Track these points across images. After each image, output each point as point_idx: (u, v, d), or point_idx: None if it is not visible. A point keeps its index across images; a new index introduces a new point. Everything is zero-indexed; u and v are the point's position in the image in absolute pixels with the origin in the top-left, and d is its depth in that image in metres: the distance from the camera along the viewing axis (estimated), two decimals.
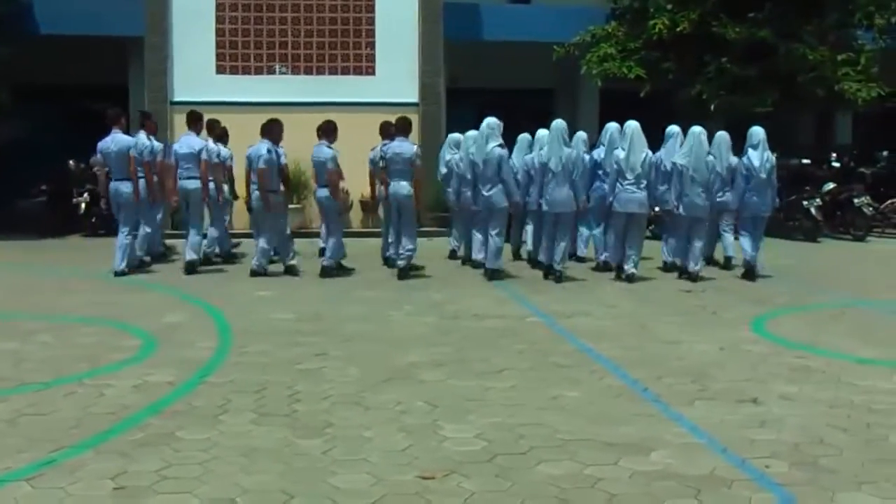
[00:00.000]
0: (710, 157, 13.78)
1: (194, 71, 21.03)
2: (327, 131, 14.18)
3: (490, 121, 13.92)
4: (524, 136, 15.73)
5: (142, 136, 14.88)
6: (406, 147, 13.94)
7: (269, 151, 13.86)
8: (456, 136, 16.28)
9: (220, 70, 21.25)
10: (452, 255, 16.38)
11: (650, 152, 13.79)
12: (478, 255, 14.75)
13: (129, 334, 9.96)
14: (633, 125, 13.76)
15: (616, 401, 7.47)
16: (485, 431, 6.56)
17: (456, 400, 7.40)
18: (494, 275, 13.78)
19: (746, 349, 9.43)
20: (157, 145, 15.24)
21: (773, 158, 14.23)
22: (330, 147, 14.07)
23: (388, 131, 14.77)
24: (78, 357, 8.83)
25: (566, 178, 13.40)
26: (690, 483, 5.60)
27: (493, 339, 9.78)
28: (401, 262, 13.95)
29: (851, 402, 7.48)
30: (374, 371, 8.33)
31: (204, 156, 14.51)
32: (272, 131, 14.09)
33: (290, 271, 14.13)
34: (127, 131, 14.94)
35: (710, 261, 15.11)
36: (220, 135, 15.38)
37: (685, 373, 8.37)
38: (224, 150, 15.31)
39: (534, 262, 15.09)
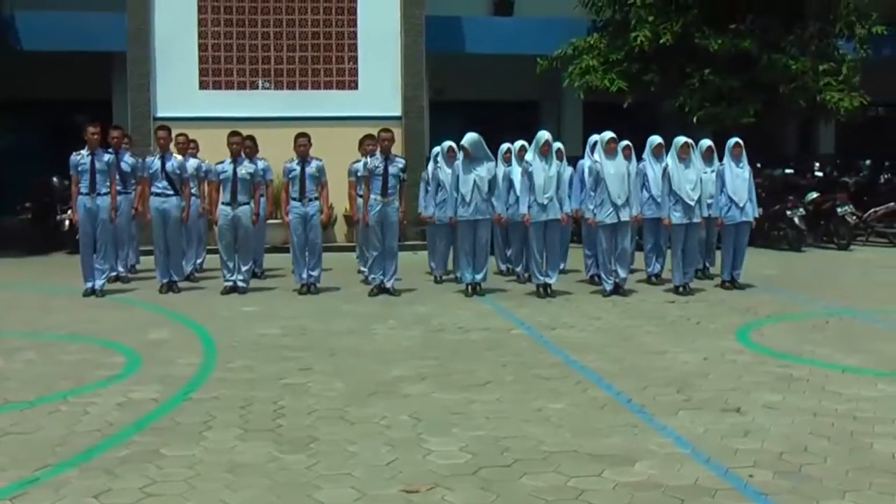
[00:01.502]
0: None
1: (177, 86, 21.05)
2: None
3: (474, 137, 13.72)
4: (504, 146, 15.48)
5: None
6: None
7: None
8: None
9: (203, 85, 21.27)
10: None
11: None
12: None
13: (113, 351, 9.98)
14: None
15: (600, 412, 7.52)
16: (469, 444, 6.60)
17: (440, 413, 7.45)
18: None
19: (730, 359, 9.50)
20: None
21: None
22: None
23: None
24: (62, 375, 8.85)
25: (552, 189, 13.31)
26: (674, 493, 5.65)
27: (478, 352, 9.84)
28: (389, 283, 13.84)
29: (835, 410, 7.54)
30: (359, 385, 8.37)
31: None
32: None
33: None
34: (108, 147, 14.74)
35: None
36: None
37: (669, 383, 8.43)
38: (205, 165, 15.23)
39: (518, 274, 15.17)
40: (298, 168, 13.74)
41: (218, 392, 8.14)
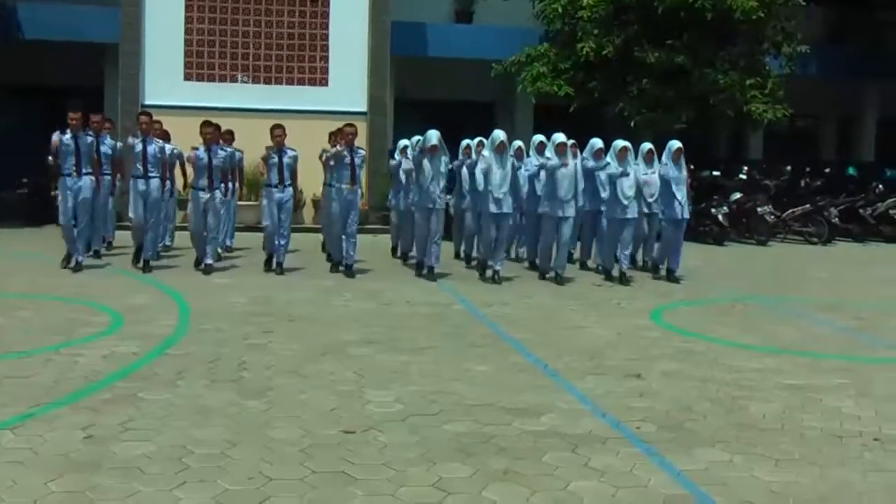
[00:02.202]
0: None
1: (164, 77, 21.41)
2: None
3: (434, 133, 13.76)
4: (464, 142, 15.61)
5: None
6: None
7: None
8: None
9: (188, 77, 21.64)
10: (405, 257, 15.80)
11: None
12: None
13: (99, 312, 10.42)
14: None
15: (519, 374, 8.08)
16: (402, 397, 7.15)
17: (381, 372, 7.98)
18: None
19: (641, 335, 10.07)
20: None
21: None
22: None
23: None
24: (54, 330, 9.29)
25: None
26: (571, 440, 6.21)
27: (421, 323, 10.35)
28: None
29: (722, 379, 8.12)
30: (313, 346, 8.89)
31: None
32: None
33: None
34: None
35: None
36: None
37: (583, 352, 9.00)
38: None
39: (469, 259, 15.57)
40: (277, 157, 13.76)
41: (190, 349, 8.62)
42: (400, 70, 23.73)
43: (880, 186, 23.87)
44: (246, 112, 19.99)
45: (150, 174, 14.00)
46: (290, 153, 13.90)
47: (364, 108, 21.69)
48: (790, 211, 22.17)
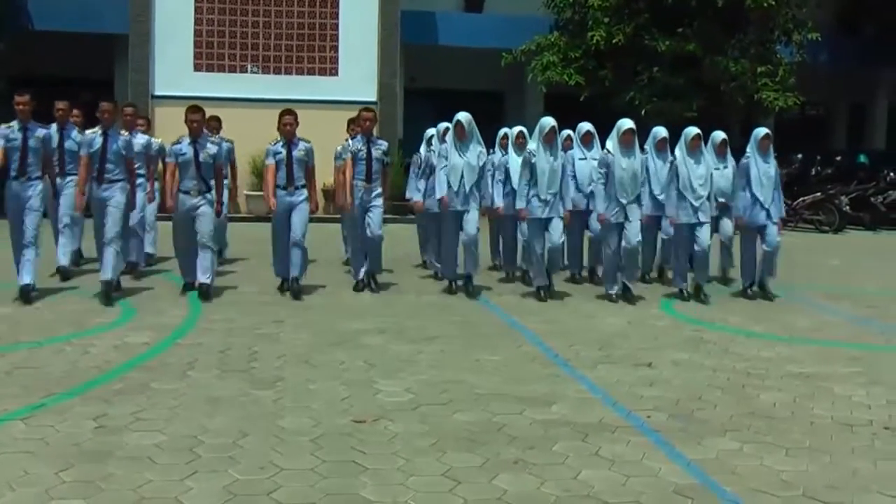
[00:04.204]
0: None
1: (174, 67, 21.49)
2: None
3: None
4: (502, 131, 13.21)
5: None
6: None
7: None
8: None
9: (198, 67, 21.72)
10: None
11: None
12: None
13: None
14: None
15: (530, 364, 8.08)
16: (413, 386, 7.15)
17: (391, 361, 7.99)
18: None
19: (651, 323, 10.08)
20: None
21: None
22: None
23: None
24: (66, 321, 9.33)
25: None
26: (581, 429, 6.20)
27: (432, 313, 10.35)
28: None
29: (733, 367, 8.10)
30: (323, 336, 8.91)
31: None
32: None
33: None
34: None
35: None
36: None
37: (594, 342, 8.99)
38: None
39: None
40: (284, 151, 11.06)
41: (201, 339, 8.64)
42: (410, 59, 23.77)
43: (891, 174, 23.82)
44: (255, 102, 20.02)
45: (109, 174, 10.70)
46: (301, 146, 11.16)
47: (374, 98, 21.74)
48: (801, 199, 22.15)
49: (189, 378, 7.28)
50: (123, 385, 7.01)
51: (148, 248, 13.27)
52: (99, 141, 10.66)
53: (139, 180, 11.99)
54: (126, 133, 11.33)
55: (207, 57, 21.75)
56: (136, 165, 11.42)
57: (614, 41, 21.59)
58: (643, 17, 21.68)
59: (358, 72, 21.85)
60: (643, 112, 21.46)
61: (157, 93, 21.18)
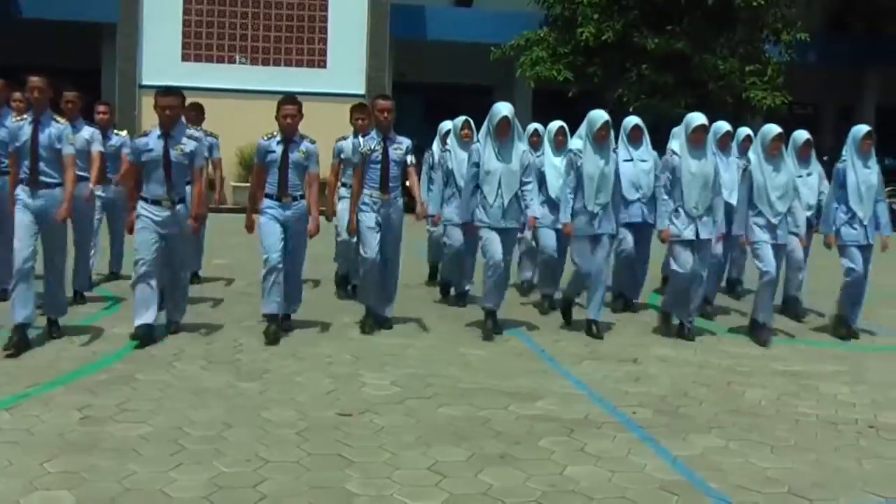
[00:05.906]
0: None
1: (161, 57, 21.43)
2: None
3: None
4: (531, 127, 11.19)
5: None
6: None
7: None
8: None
9: (185, 58, 21.68)
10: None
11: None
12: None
13: (97, 295, 10.37)
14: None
15: (516, 359, 8.09)
16: (398, 380, 7.16)
17: (378, 354, 7.99)
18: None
19: (639, 319, 10.08)
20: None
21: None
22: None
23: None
24: None
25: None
26: (567, 424, 6.22)
27: (421, 307, 10.31)
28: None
29: (719, 364, 8.13)
30: (310, 329, 8.91)
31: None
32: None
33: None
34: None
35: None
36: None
37: (581, 337, 9.00)
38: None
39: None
40: (279, 150, 8.49)
41: (186, 330, 8.59)
42: (398, 53, 23.72)
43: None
44: (244, 93, 19.98)
45: (45, 174, 7.93)
46: (303, 145, 8.59)
47: (363, 91, 21.71)
48: None
49: (175, 369, 7.27)
50: (109, 376, 6.99)
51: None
52: (27, 131, 7.97)
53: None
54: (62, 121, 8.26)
55: (196, 47, 21.71)
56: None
57: (603, 38, 21.62)
58: (633, 14, 21.73)
59: (346, 64, 21.84)
60: (631, 109, 21.45)
61: (145, 82, 21.10)
